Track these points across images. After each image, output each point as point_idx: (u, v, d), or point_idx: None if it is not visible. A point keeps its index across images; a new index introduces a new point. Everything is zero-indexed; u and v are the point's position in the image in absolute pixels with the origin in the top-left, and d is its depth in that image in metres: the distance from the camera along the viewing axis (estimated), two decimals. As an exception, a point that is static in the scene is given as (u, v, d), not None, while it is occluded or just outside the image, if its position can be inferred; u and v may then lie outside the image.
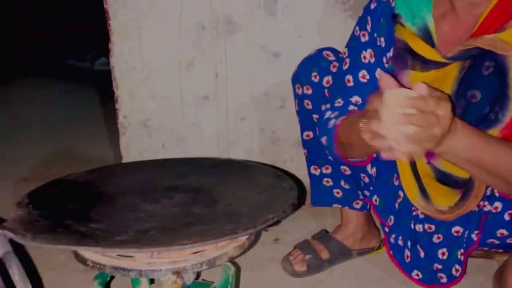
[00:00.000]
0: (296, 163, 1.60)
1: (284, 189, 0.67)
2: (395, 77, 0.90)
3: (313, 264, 1.15)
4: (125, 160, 1.60)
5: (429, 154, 0.88)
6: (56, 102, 3.43)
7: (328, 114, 0.93)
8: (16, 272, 0.45)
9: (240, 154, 1.60)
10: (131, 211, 0.64)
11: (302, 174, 1.48)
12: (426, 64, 0.86)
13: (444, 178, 0.93)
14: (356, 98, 0.94)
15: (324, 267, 1.16)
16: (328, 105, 0.96)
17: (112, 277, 0.73)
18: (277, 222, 1.43)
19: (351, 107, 0.93)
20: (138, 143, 1.58)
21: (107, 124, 2.67)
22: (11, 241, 0.49)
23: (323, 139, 0.92)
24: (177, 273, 0.55)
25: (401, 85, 0.63)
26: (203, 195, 0.69)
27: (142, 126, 1.57)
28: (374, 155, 0.98)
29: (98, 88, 3.47)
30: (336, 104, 0.95)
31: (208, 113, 1.56)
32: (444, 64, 0.83)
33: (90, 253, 0.56)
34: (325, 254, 1.17)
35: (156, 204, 0.66)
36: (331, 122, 0.88)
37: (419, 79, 0.85)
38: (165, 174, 0.78)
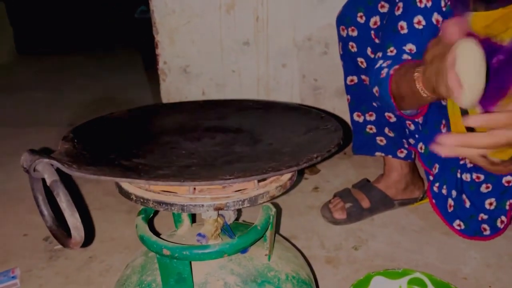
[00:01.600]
0: (337, 112, 1.56)
1: (328, 130, 0.64)
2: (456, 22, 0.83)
3: (353, 212, 1.14)
4: (165, 106, 1.62)
5: (486, 104, 0.82)
6: (97, 52, 3.50)
7: (380, 63, 0.88)
8: (63, 200, 0.46)
9: (280, 102, 1.58)
10: (172, 148, 0.63)
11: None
12: (490, 3, 0.78)
13: None
14: (410, 46, 0.87)
15: (364, 216, 1.15)
16: (380, 54, 0.91)
17: (155, 214, 0.74)
18: (317, 171, 1.43)
19: (404, 56, 0.88)
20: (178, 89, 1.58)
21: (147, 73, 2.70)
22: (59, 172, 0.50)
23: (375, 90, 0.88)
24: (219, 209, 0.55)
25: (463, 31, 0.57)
26: (244, 135, 0.68)
27: (182, 72, 1.56)
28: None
29: (138, 37, 3.47)
30: (389, 53, 0.89)
31: (248, 59, 1.52)
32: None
33: (134, 188, 0.57)
34: (365, 203, 1.15)
35: (197, 142, 0.66)
36: (384, 72, 0.83)
37: (481, 20, 0.78)
38: (205, 115, 0.77)
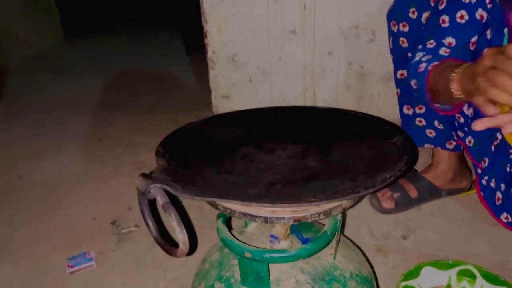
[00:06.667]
0: (383, 98, 1.58)
1: (395, 144, 0.69)
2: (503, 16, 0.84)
3: (401, 202, 1.19)
4: (214, 93, 1.68)
5: None
6: (139, 33, 3.56)
7: (419, 56, 0.90)
8: (174, 219, 0.53)
9: (326, 89, 1.61)
10: (251, 161, 0.70)
11: (387, 109, 1.47)
12: None
13: None
14: (449, 40, 0.89)
15: (412, 205, 1.20)
16: (420, 46, 0.93)
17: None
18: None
19: (443, 49, 0.89)
20: (226, 77, 1.64)
21: (190, 59, 2.75)
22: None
23: (413, 82, 0.91)
24: (298, 221, 0.62)
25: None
26: (313, 146, 0.73)
27: (230, 61, 1.60)
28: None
29: (179, 20, 3.52)
30: (428, 46, 0.91)
31: (294, 47, 1.55)
32: None
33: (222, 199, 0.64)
34: (413, 193, 1.20)
35: (272, 154, 0.72)
36: (422, 66, 0.86)
37: None
38: (272, 123, 0.83)
